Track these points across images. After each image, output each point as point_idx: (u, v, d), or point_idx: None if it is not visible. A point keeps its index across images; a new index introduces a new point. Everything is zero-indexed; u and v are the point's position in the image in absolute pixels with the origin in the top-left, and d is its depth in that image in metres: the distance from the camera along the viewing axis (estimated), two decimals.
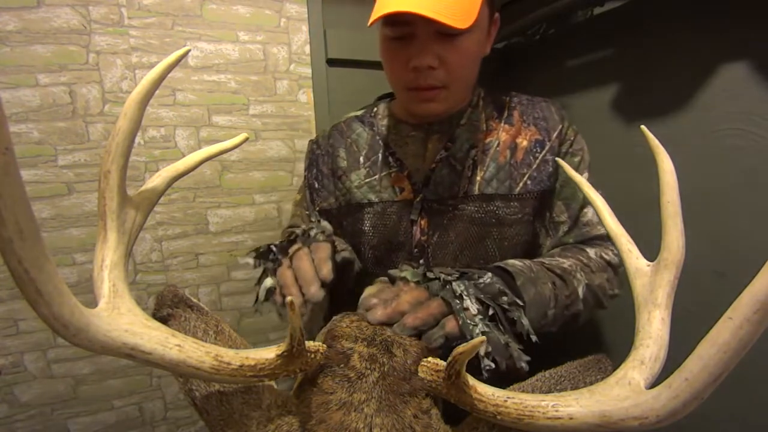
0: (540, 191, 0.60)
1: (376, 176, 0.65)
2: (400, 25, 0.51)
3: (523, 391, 0.34)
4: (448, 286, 0.43)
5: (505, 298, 0.44)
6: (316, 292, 0.43)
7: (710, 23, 0.74)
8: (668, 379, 0.27)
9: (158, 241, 1.20)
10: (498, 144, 0.61)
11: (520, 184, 0.60)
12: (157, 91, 0.37)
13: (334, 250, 0.50)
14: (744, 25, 0.69)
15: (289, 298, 0.28)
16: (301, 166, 1.31)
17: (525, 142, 0.61)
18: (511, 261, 0.51)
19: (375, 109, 0.71)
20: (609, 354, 0.38)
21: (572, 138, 0.62)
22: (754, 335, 0.23)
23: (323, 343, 0.36)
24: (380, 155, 0.65)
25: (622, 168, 0.88)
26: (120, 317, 0.29)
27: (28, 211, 0.21)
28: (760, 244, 0.68)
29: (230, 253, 1.29)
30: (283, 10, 1.21)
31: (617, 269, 0.59)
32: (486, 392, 0.31)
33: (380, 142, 0.66)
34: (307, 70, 1.27)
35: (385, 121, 0.68)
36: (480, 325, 0.40)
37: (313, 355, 0.34)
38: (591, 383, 0.33)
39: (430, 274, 0.46)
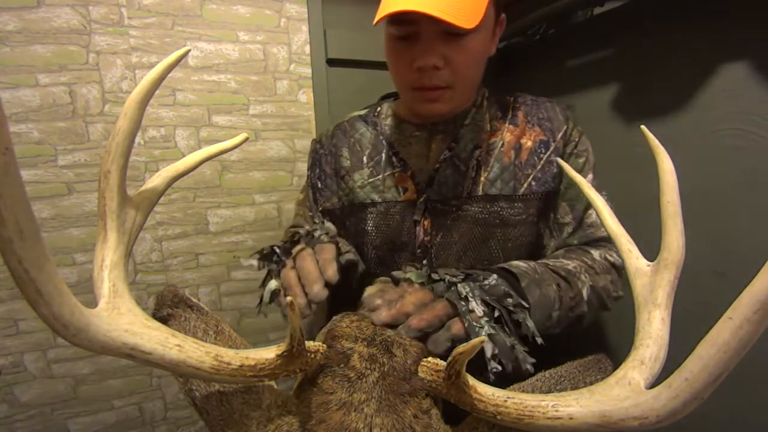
0: (544, 192, 0.60)
1: (380, 176, 0.64)
2: (406, 24, 0.51)
3: (523, 391, 0.34)
4: (453, 288, 0.43)
5: (510, 300, 0.43)
6: (319, 291, 0.43)
7: (710, 23, 0.74)
8: (668, 379, 0.27)
9: (158, 241, 1.20)
10: (502, 144, 0.61)
11: (525, 185, 0.60)
12: (157, 91, 0.37)
13: (339, 252, 0.50)
14: (744, 25, 0.69)
15: (289, 299, 0.28)
16: (301, 166, 1.31)
17: (529, 143, 0.61)
18: (516, 262, 0.51)
19: (378, 108, 0.70)
20: (609, 354, 0.38)
21: (577, 139, 0.61)
22: (754, 335, 0.23)
23: (323, 343, 0.36)
24: (384, 155, 0.65)
25: (622, 168, 0.88)
26: (120, 317, 0.29)
27: (28, 211, 0.21)
28: (760, 244, 0.68)
29: (233, 254, 1.29)
30: (283, 10, 1.21)
31: (621, 271, 0.58)
32: (486, 392, 0.31)
33: (384, 141, 0.66)
34: (307, 70, 1.27)
35: (388, 121, 0.68)
36: (486, 327, 0.40)
37: (313, 355, 0.34)
38: (591, 383, 0.33)
39: (434, 276, 0.45)
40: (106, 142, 0.46)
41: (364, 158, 0.66)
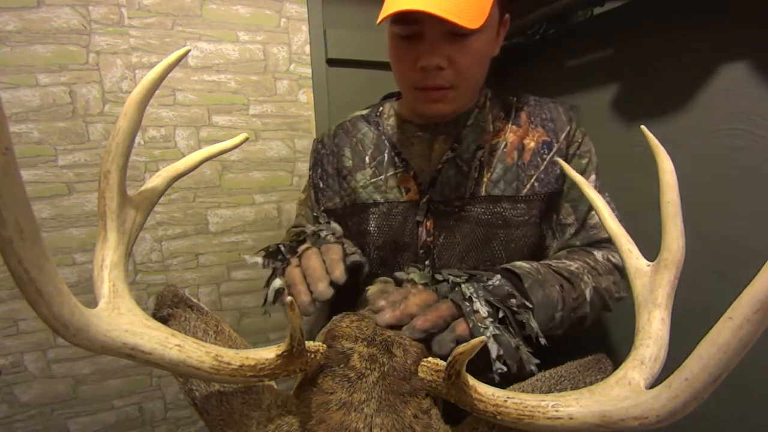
0: (547, 193, 0.60)
1: (382, 176, 0.64)
2: (410, 23, 0.51)
3: (523, 391, 0.34)
4: (457, 288, 0.43)
5: (513, 301, 0.43)
6: (324, 289, 0.43)
7: (710, 23, 0.74)
8: (668, 379, 0.27)
9: (158, 241, 1.20)
10: (505, 145, 0.61)
11: (528, 186, 0.60)
12: (157, 91, 0.37)
13: (344, 253, 0.50)
14: (744, 25, 0.69)
15: (289, 299, 0.28)
16: (301, 166, 1.31)
17: (532, 144, 0.60)
18: (519, 263, 0.51)
19: (380, 108, 0.70)
20: (610, 354, 0.38)
21: (580, 140, 0.61)
22: (754, 335, 0.23)
23: (323, 343, 0.36)
24: (386, 155, 0.65)
25: (622, 168, 0.88)
26: (120, 317, 0.29)
27: (28, 211, 0.21)
28: (760, 244, 0.68)
29: (238, 252, 1.29)
30: (283, 10, 1.21)
31: (623, 272, 0.58)
32: (486, 392, 0.31)
33: (386, 142, 0.66)
34: (307, 70, 1.27)
35: (390, 121, 0.68)
36: (491, 328, 0.40)
37: (313, 355, 0.34)
38: (591, 383, 0.33)
39: (438, 276, 0.45)
40: (106, 142, 0.46)
41: (367, 158, 0.66)
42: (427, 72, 0.53)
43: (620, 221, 0.58)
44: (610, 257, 0.58)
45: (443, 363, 0.34)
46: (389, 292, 0.48)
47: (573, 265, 0.54)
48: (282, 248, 0.51)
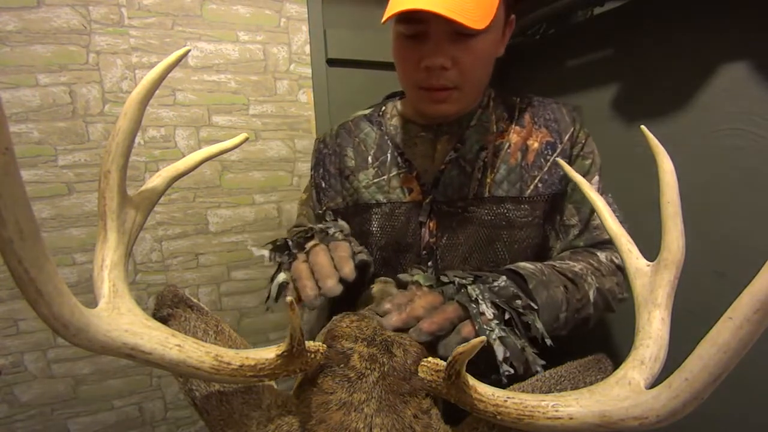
0: (551, 194, 0.60)
1: (385, 176, 0.64)
2: (415, 22, 0.50)
3: (523, 391, 0.34)
4: (463, 290, 0.43)
5: (519, 302, 0.43)
6: (333, 286, 0.41)
7: (710, 23, 0.74)
8: (668, 379, 0.27)
9: (158, 241, 1.20)
10: (509, 146, 0.60)
11: (531, 187, 0.59)
12: (157, 91, 0.37)
13: (353, 251, 0.49)
14: (744, 25, 0.69)
15: (289, 299, 0.28)
16: (301, 166, 1.31)
17: (536, 144, 0.60)
18: (523, 264, 0.51)
19: (383, 108, 0.70)
20: (610, 354, 0.38)
21: (583, 141, 0.61)
22: (754, 335, 0.23)
23: (323, 343, 0.36)
24: (389, 155, 0.64)
25: (622, 168, 0.88)
26: (120, 317, 0.29)
27: (28, 211, 0.21)
28: (760, 244, 0.68)
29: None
30: (283, 10, 1.21)
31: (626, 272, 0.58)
32: (486, 392, 0.31)
33: (389, 142, 0.65)
34: (307, 70, 1.27)
35: (393, 121, 0.67)
36: (496, 330, 0.40)
37: (313, 355, 0.34)
38: (591, 383, 0.33)
39: (444, 278, 0.45)
40: (106, 142, 0.46)
41: (369, 158, 0.65)
42: (432, 72, 0.52)
43: (623, 222, 0.59)
44: (614, 258, 0.58)
45: (443, 363, 0.34)
46: (392, 293, 0.48)
47: (577, 266, 0.54)
48: (290, 242, 0.50)
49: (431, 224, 0.61)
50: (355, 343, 0.36)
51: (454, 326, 0.40)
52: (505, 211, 0.60)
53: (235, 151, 1.20)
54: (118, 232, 0.34)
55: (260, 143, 1.26)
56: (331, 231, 0.51)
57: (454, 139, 0.62)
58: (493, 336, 0.39)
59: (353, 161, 0.67)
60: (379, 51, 1.27)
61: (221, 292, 1.30)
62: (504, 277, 0.46)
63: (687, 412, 0.26)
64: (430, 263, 0.62)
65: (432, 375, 0.34)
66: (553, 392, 0.34)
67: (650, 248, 0.40)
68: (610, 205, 0.59)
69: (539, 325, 0.43)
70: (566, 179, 0.60)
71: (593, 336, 0.97)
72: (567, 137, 0.60)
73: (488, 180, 0.60)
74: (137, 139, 1.09)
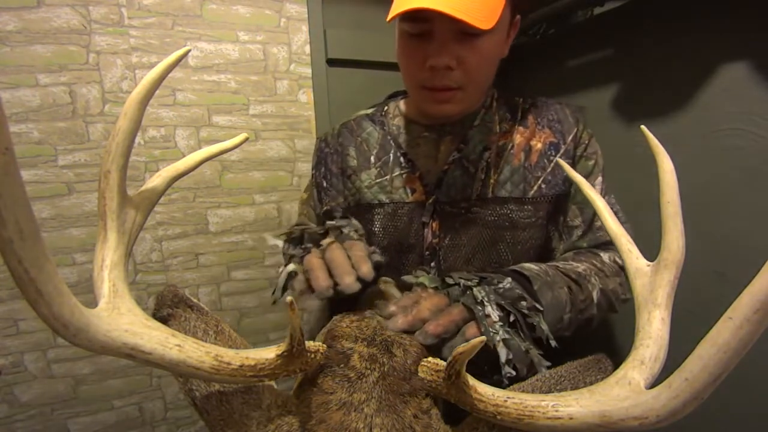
0: (554, 195, 0.60)
1: (387, 176, 0.64)
2: (420, 21, 0.49)
3: (523, 391, 0.34)
4: (468, 292, 0.43)
5: (524, 303, 0.43)
6: (352, 282, 0.40)
7: (710, 23, 0.74)
8: (668, 379, 0.27)
9: (158, 241, 1.20)
10: (512, 146, 0.60)
11: (535, 188, 0.59)
12: (157, 91, 0.37)
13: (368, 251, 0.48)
14: (744, 25, 0.69)
15: (288, 299, 0.28)
16: (301, 166, 1.31)
17: (539, 145, 0.60)
18: (527, 264, 0.51)
19: (385, 108, 0.69)
20: (611, 354, 0.38)
21: (587, 141, 0.61)
22: (754, 335, 0.23)
23: (323, 343, 0.36)
24: (391, 155, 0.64)
25: (622, 168, 0.88)
26: (120, 317, 0.29)
27: (28, 211, 0.21)
28: (760, 244, 0.68)
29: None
30: (283, 10, 1.21)
31: None
32: (486, 392, 0.31)
33: (391, 142, 0.65)
34: (307, 70, 1.27)
35: (396, 121, 0.67)
36: (501, 332, 0.40)
37: (313, 355, 0.34)
38: (591, 383, 0.33)
39: (449, 280, 0.45)
40: (106, 142, 0.46)
41: (372, 158, 0.65)
42: (436, 72, 0.52)
43: (625, 223, 0.59)
44: (617, 259, 0.58)
45: (443, 363, 0.34)
46: (394, 294, 0.48)
47: (580, 267, 0.54)
48: (306, 235, 0.49)
49: (434, 225, 0.61)
50: (355, 343, 0.36)
51: (459, 328, 0.40)
52: (509, 211, 0.59)
53: (235, 151, 1.20)
54: (118, 232, 0.34)
55: (260, 143, 1.26)
56: (346, 230, 0.50)
57: (457, 140, 0.62)
58: (497, 338, 0.39)
59: (355, 161, 0.66)
60: (379, 51, 1.27)
61: (221, 292, 1.30)
62: (509, 279, 0.46)
63: (687, 412, 0.26)
64: (432, 264, 0.62)
65: (432, 375, 0.34)
66: (553, 392, 0.34)
67: (650, 248, 0.40)
68: (612, 206, 0.60)
69: (544, 326, 0.43)
70: (570, 180, 0.60)
71: (596, 336, 0.97)
72: (570, 138, 0.60)
73: (491, 181, 0.60)
74: (137, 139, 1.09)
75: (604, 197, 0.59)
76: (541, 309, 0.44)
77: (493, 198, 0.59)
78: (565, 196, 0.61)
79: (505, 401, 0.30)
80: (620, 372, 0.31)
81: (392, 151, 0.64)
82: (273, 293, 0.47)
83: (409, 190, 0.62)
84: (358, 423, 0.31)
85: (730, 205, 0.73)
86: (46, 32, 1.00)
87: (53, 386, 1.16)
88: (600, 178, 0.61)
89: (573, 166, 0.60)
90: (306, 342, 0.32)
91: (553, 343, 0.42)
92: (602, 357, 0.38)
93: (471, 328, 0.40)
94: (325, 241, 0.47)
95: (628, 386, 0.30)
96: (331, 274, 0.42)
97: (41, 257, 0.22)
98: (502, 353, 0.39)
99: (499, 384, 0.34)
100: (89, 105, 1.07)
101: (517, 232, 0.60)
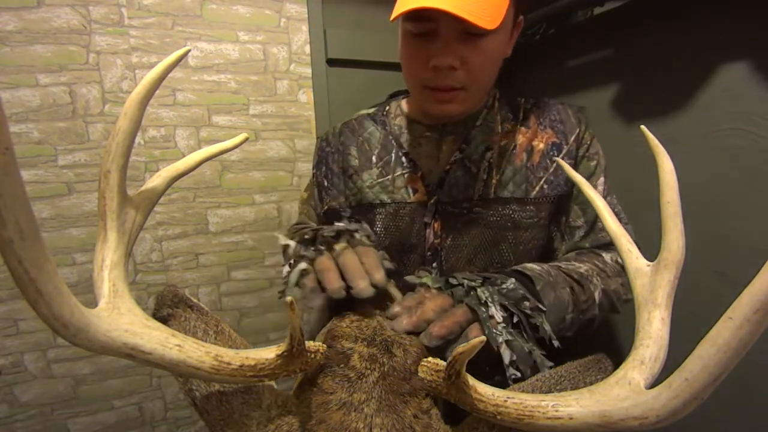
0: (556, 195, 0.60)
1: (389, 176, 0.63)
2: (423, 21, 0.49)
3: (523, 391, 0.34)
4: (472, 293, 0.43)
5: (527, 303, 0.43)
6: (366, 286, 0.40)
7: (710, 23, 0.74)
8: (668, 379, 0.27)
9: (158, 241, 1.20)
10: (514, 147, 0.60)
11: (537, 188, 0.59)
12: (157, 91, 0.37)
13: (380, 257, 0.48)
14: (744, 25, 0.69)
15: (288, 299, 0.28)
16: (301, 166, 1.31)
17: (541, 145, 0.60)
18: (530, 265, 0.51)
19: (387, 107, 0.69)
20: (618, 354, 0.38)
21: (589, 142, 0.61)
22: (754, 335, 0.23)
23: (323, 343, 0.36)
24: (393, 155, 0.64)
25: (622, 168, 0.88)
26: (120, 317, 0.29)
27: (28, 211, 0.21)
28: (760, 244, 0.68)
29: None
30: (283, 10, 1.21)
31: None
32: (486, 392, 0.31)
33: (393, 141, 0.65)
34: (307, 70, 1.27)
35: (397, 121, 0.67)
36: (504, 334, 0.40)
37: (313, 355, 0.34)
38: (591, 383, 0.33)
39: (452, 280, 0.45)
40: (106, 142, 0.46)
41: (374, 158, 0.65)
42: (439, 71, 0.52)
43: (626, 224, 0.59)
44: (618, 260, 0.58)
45: (443, 363, 0.34)
46: (394, 295, 0.47)
47: (582, 267, 0.54)
48: (319, 237, 0.49)
49: (436, 225, 0.61)
50: (355, 343, 0.36)
51: (463, 329, 0.40)
52: (511, 212, 0.59)
53: (235, 151, 1.21)
54: (118, 232, 0.34)
55: (260, 143, 1.26)
56: (359, 235, 0.50)
57: (459, 140, 0.62)
58: (500, 339, 0.39)
59: (357, 160, 0.66)
60: (379, 51, 1.27)
61: (221, 292, 1.30)
62: (513, 280, 0.46)
63: (687, 412, 0.26)
64: (434, 264, 0.62)
65: (432, 375, 0.34)
66: (553, 392, 0.34)
67: (650, 248, 0.40)
68: (613, 206, 0.60)
69: (547, 327, 0.43)
70: (572, 180, 0.60)
71: (598, 336, 0.97)
72: (573, 138, 0.60)
73: (493, 181, 0.59)
74: (137, 139, 1.09)
75: (606, 198, 0.59)
76: (544, 309, 0.44)
77: (495, 198, 0.59)
78: (568, 196, 0.60)
79: (505, 401, 0.30)
80: (620, 372, 0.31)
81: (394, 151, 0.64)
82: (282, 290, 0.47)
83: (410, 190, 0.62)
84: (358, 423, 0.31)
85: (730, 205, 0.73)
86: (46, 32, 1.00)
87: (53, 386, 1.16)
88: (602, 179, 0.61)
89: (575, 166, 0.60)
90: (306, 342, 0.32)
91: (555, 343, 0.42)
92: (602, 357, 0.38)
93: (474, 330, 0.40)
94: (338, 246, 0.47)
95: (628, 386, 0.30)
96: (343, 278, 0.42)
97: (41, 257, 0.22)
98: (506, 355, 0.39)
99: (500, 385, 0.34)
100: (89, 105, 1.07)
101: (519, 233, 0.60)
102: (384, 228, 0.64)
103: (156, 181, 0.40)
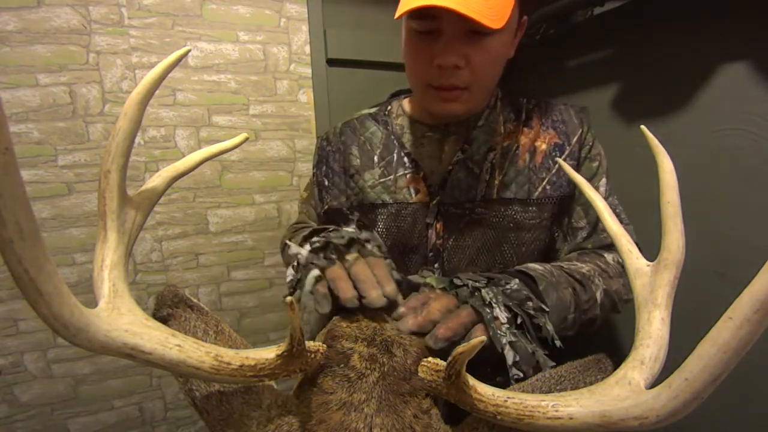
0: (559, 196, 0.59)
1: (391, 176, 0.63)
2: (428, 19, 0.49)
3: (523, 391, 0.34)
4: (477, 293, 0.43)
5: (530, 304, 0.43)
6: (378, 296, 0.40)
7: (710, 23, 0.74)
8: (668, 379, 0.27)
9: (158, 241, 1.20)
10: (517, 147, 0.60)
11: (539, 189, 0.59)
12: (157, 91, 0.37)
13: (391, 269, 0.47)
14: (744, 25, 0.69)
15: (288, 299, 0.28)
16: (301, 166, 1.31)
17: (544, 146, 0.60)
18: (532, 265, 0.51)
19: (389, 107, 0.69)
20: (619, 354, 0.38)
21: (591, 143, 0.61)
22: (754, 335, 0.23)
23: (323, 343, 0.36)
24: (395, 155, 0.64)
25: (622, 168, 0.88)
26: (120, 317, 0.29)
27: (28, 211, 0.21)
28: (760, 244, 0.68)
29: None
30: (283, 10, 1.21)
31: None
32: (486, 392, 0.31)
33: (395, 141, 0.65)
34: (307, 70, 1.27)
35: (399, 120, 0.66)
36: (508, 335, 0.40)
37: (313, 355, 0.34)
38: (591, 383, 0.33)
39: (457, 281, 0.45)
40: (106, 142, 0.46)
41: (375, 158, 0.65)
42: (443, 70, 0.51)
43: (628, 225, 0.59)
44: (620, 260, 0.58)
45: (443, 363, 0.34)
46: (408, 298, 0.47)
47: (584, 268, 0.54)
48: (331, 244, 0.48)
49: (438, 226, 0.61)
50: (355, 343, 0.36)
51: (468, 330, 0.40)
52: (513, 213, 0.59)
53: (235, 151, 1.20)
54: (118, 232, 0.34)
55: (260, 143, 1.26)
56: (370, 246, 0.49)
57: (461, 140, 0.62)
58: (504, 341, 0.39)
59: (358, 160, 0.66)
60: (379, 51, 1.27)
61: (221, 292, 1.30)
62: (517, 280, 0.46)
63: (687, 412, 0.26)
64: (436, 265, 0.62)
65: (432, 375, 0.34)
66: (553, 392, 0.34)
67: (650, 248, 0.40)
68: (614, 207, 0.60)
69: (550, 327, 0.43)
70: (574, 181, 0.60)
71: (598, 336, 0.97)
72: (575, 139, 0.60)
73: (496, 182, 0.59)
74: (137, 139, 1.09)
75: (607, 199, 0.59)
76: (547, 310, 0.44)
77: (497, 199, 0.59)
78: (570, 197, 0.60)
79: (505, 401, 0.30)
80: (620, 372, 0.31)
81: (396, 151, 0.64)
82: (288, 294, 0.46)
83: (412, 191, 0.62)
84: (358, 423, 0.31)
85: (730, 205, 0.73)
86: (46, 32, 1.00)
87: (53, 386, 1.16)
88: (604, 180, 0.61)
89: (578, 167, 0.60)
90: (306, 342, 0.32)
91: (558, 343, 0.42)
92: (602, 357, 0.38)
93: (478, 331, 0.40)
94: (350, 256, 0.47)
95: (628, 386, 0.30)
96: (355, 287, 0.41)
97: (41, 257, 0.22)
98: (509, 356, 0.39)
99: (502, 386, 0.34)
100: (89, 105, 1.07)
101: (521, 234, 0.60)
102: (386, 228, 0.64)
103: (156, 181, 0.40)
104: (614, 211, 0.44)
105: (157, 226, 1.19)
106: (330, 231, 0.51)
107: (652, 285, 0.35)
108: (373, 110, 0.70)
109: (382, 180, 0.64)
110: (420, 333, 0.39)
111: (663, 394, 0.27)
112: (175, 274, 1.24)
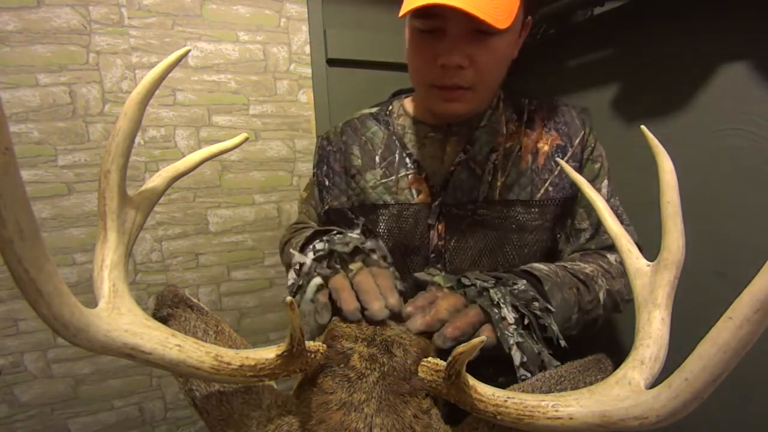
0: (562, 198, 0.59)
1: (393, 177, 0.63)
2: (432, 18, 0.48)
3: (523, 391, 0.34)
4: (485, 293, 0.43)
5: (537, 304, 0.43)
6: (381, 308, 0.39)
7: (710, 23, 0.74)
8: (668, 379, 0.27)
9: (158, 241, 1.20)
10: (519, 148, 0.60)
11: (542, 191, 0.59)
12: (157, 91, 0.37)
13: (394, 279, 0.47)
14: (744, 25, 0.69)
15: (288, 299, 0.28)
16: (301, 166, 1.31)
17: (546, 147, 0.60)
18: (537, 265, 0.51)
19: (390, 107, 0.68)
20: (620, 354, 0.38)
21: (593, 144, 0.61)
22: (754, 335, 0.23)
23: (323, 343, 0.36)
24: (397, 156, 0.63)
25: (622, 168, 0.88)
26: (120, 317, 0.29)
27: (28, 211, 0.21)
28: (760, 244, 0.68)
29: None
30: (283, 10, 1.21)
31: None
32: (486, 392, 0.31)
33: (397, 142, 0.64)
34: (307, 70, 1.27)
35: (401, 120, 0.66)
36: (515, 336, 0.40)
37: (313, 355, 0.34)
38: (591, 383, 0.33)
39: (464, 280, 0.45)
40: (106, 142, 0.46)
41: (377, 158, 0.64)
42: (447, 70, 0.51)
43: (629, 226, 0.59)
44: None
45: (443, 363, 0.34)
46: (415, 297, 0.47)
47: (588, 268, 0.54)
48: (336, 252, 0.47)
49: (440, 227, 0.61)
50: (355, 343, 0.36)
51: (475, 330, 0.40)
52: (515, 214, 0.59)
53: (235, 151, 1.20)
54: (118, 232, 0.34)
55: (260, 143, 1.26)
56: (375, 257, 0.49)
57: (463, 141, 0.61)
58: (512, 341, 0.39)
59: (360, 160, 0.65)
60: (379, 51, 1.27)
61: (221, 292, 1.30)
62: (524, 281, 0.46)
63: (687, 412, 0.26)
64: (438, 266, 0.61)
65: (432, 375, 0.34)
66: (553, 392, 0.34)
67: (650, 248, 0.40)
68: (616, 208, 0.60)
69: (555, 327, 0.43)
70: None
71: (599, 335, 0.97)
72: (577, 141, 0.60)
73: (498, 183, 0.59)
74: (137, 139, 1.09)
75: (609, 200, 0.59)
76: (553, 310, 0.44)
77: (500, 200, 0.59)
78: (573, 199, 0.60)
79: (505, 401, 0.30)
80: (620, 372, 0.31)
81: (398, 152, 0.64)
82: (296, 296, 0.46)
83: (414, 191, 0.62)
84: (358, 423, 0.31)
85: (730, 205, 0.73)
86: (46, 32, 1.00)
87: (53, 386, 1.16)
88: (606, 181, 0.60)
89: (580, 169, 0.59)
90: (306, 342, 0.32)
91: (563, 343, 0.42)
92: (602, 357, 0.38)
93: (486, 331, 0.40)
94: (353, 265, 0.46)
95: (628, 386, 0.30)
96: (357, 298, 0.41)
97: (41, 257, 0.22)
98: (516, 357, 0.39)
99: (504, 386, 0.34)
100: (89, 105, 1.07)
101: (523, 235, 0.60)
102: (387, 229, 0.63)
103: (156, 181, 0.40)
104: (615, 212, 0.43)
105: (157, 226, 1.19)
106: (334, 235, 0.51)
107: (652, 285, 0.35)
108: (374, 110, 0.70)
109: (383, 180, 0.63)
110: (428, 332, 0.39)
111: (663, 394, 0.27)
112: (175, 274, 1.24)
